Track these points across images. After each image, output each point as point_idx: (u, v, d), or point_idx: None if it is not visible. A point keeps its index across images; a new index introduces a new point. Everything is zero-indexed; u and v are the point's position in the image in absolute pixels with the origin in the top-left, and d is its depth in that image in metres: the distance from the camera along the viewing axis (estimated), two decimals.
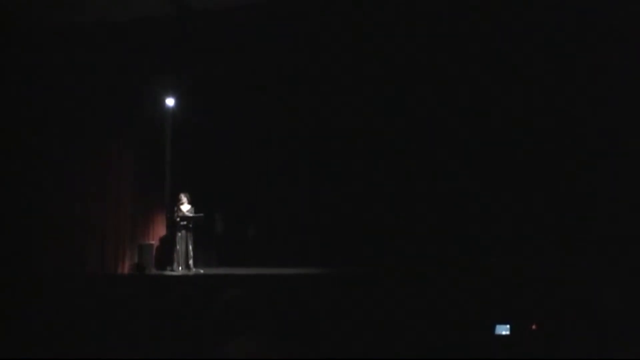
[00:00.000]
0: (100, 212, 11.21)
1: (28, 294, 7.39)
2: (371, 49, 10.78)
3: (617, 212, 9.08)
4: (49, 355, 5.44)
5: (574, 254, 9.11)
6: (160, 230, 12.22)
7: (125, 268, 11.41)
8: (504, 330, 5.31)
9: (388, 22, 10.16)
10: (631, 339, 4.32)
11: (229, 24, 10.64)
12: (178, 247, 11.24)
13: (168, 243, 11.74)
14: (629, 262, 8.04)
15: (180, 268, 11.15)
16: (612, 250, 8.68)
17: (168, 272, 11.16)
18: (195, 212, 11.36)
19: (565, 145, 9.86)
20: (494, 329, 5.27)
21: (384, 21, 10.16)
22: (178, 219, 11.30)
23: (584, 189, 9.55)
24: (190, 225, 11.34)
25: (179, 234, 11.28)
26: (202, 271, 11.09)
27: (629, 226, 8.83)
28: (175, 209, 11.39)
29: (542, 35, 9.69)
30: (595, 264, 8.42)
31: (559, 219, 9.74)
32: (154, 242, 11.92)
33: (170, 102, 12.01)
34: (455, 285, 7.28)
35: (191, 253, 11.28)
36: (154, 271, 11.32)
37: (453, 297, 6.08)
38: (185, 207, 11.33)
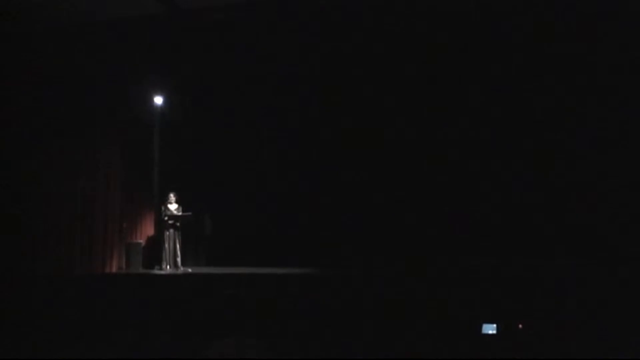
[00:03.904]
0: (89, 211, 11.16)
1: (17, 294, 7.36)
2: (359, 51, 10.81)
3: (612, 212, 9.16)
4: (39, 354, 5.43)
5: (564, 254, 9.19)
6: (148, 229, 12.19)
7: (113, 267, 11.37)
8: (490, 329, 5.35)
9: (371, 20, 10.20)
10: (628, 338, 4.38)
11: (216, 22, 10.62)
12: (166, 246, 11.21)
13: (156, 242, 11.71)
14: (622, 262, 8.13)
15: (168, 267, 11.13)
16: (605, 250, 8.76)
17: (156, 271, 11.14)
18: (183, 211, 11.34)
19: (561, 144, 9.92)
20: (481, 328, 5.31)
21: (368, 22, 10.20)
22: (166, 218, 11.28)
23: (576, 189, 9.62)
24: (178, 225, 11.32)
25: (167, 233, 11.25)
26: (190, 270, 11.08)
27: (624, 225, 8.92)
28: (163, 208, 11.37)
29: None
30: (587, 263, 8.51)
31: (548, 219, 9.82)
32: (142, 241, 11.88)
33: (158, 100, 11.97)
34: (443, 284, 7.33)
35: (179, 252, 11.27)
36: (141, 270, 11.29)
37: (441, 297, 6.12)
38: (173, 206, 11.31)
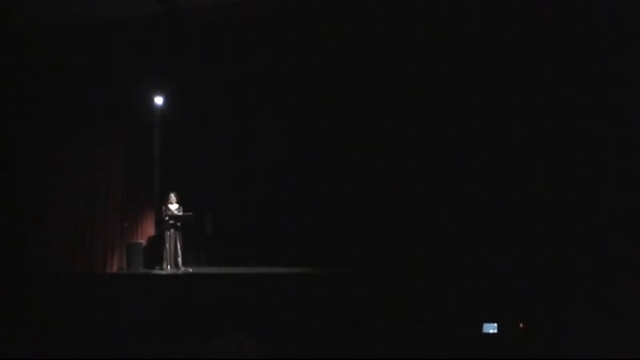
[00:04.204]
0: (89, 211, 11.17)
1: (18, 294, 7.35)
2: (362, 51, 10.81)
3: (611, 213, 9.14)
4: (40, 354, 5.43)
5: (564, 253, 9.17)
6: (148, 229, 12.18)
7: (114, 267, 11.37)
8: (491, 328, 5.34)
9: (373, 21, 10.20)
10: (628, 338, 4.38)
11: (217, 22, 10.63)
12: (167, 246, 11.21)
13: (157, 242, 11.70)
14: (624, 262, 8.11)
15: (169, 267, 11.13)
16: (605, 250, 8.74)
17: (157, 271, 11.14)
18: (183, 211, 11.34)
19: (562, 145, 9.90)
20: (482, 327, 5.30)
21: (372, 21, 10.19)
22: (167, 218, 11.27)
23: (577, 187, 9.59)
24: (179, 224, 11.32)
25: (168, 233, 11.25)
26: (191, 270, 11.08)
27: (623, 225, 8.90)
28: (164, 208, 11.36)
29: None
30: (587, 263, 8.49)
31: (548, 218, 9.79)
32: (143, 241, 11.88)
33: (159, 101, 11.96)
34: (443, 284, 7.33)
35: (179, 252, 11.26)
36: (142, 270, 11.29)
37: (441, 296, 6.12)
38: (174, 206, 11.31)
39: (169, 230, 11.25)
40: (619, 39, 9.15)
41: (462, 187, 10.61)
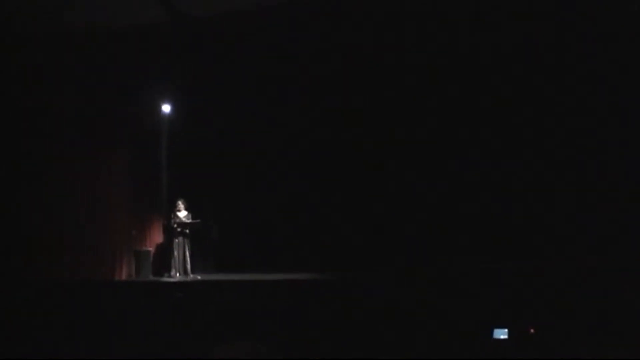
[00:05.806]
0: (97, 218, 11.19)
1: (24, 301, 7.37)
2: (363, 57, 10.84)
3: (616, 214, 9.08)
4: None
5: (574, 256, 9.12)
6: (156, 236, 12.19)
7: (123, 275, 11.38)
8: (502, 334, 5.29)
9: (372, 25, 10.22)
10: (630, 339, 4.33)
11: (222, 30, 10.68)
12: (175, 253, 11.21)
13: (165, 249, 11.71)
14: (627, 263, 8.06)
15: (177, 274, 11.13)
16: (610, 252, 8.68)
17: (165, 279, 11.14)
18: (192, 218, 11.35)
19: (564, 144, 9.85)
20: (492, 332, 5.26)
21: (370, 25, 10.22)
22: (175, 225, 11.28)
23: (581, 190, 9.54)
24: (187, 232, 11.32)
25: (176, 240, 11.25)
26: (199, 277, 11.07)
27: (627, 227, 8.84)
28: (172, 215, 11.38)
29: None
30: (593, 265, 8.43)
31: (557, 221, 9.74)
32: (151, 248, 11.88)
33: (166, 108, 11.99)
34: (453, 288, 7.29)
35: (188, 259, 11.26)
36: (151, 278, 11.29)
37: (450, 300, 6.08)
38: (182, 214, 11.32)
39: (177, 237, 11.26)
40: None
41: (469, 189, 10.58)
